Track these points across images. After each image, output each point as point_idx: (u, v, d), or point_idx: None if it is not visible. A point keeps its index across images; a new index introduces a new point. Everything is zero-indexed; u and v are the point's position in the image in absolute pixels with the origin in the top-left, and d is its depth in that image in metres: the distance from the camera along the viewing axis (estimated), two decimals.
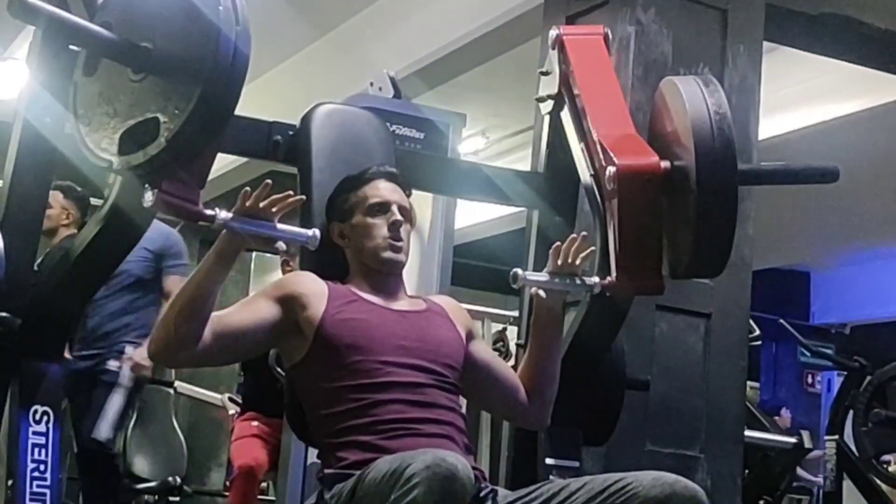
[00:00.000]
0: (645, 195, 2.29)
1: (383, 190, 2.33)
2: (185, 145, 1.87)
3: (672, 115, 2.33)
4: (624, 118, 2.49)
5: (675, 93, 2.32)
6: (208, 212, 1.99)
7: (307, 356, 2.19)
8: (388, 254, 2.29)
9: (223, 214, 2.01)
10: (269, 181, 2.04)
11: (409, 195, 2.38)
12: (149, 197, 1.93)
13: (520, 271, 2.30)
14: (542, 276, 2.33)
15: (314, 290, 2.22)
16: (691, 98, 2.27)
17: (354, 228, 2.31)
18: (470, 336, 2.36)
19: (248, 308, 2.19)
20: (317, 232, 2.12)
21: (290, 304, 2.19)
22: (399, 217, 2.31)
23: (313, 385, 2.19)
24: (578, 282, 2.34)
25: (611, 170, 2.29)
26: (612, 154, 2.31)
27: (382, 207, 2.31)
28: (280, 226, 2.06)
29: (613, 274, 2.32)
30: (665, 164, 2.30)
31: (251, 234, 2.03)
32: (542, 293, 2.31)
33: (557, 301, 2.36)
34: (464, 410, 2.29)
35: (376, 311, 2.25)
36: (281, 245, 2.09)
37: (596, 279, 2.35)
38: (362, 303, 2.25)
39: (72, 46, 2.21)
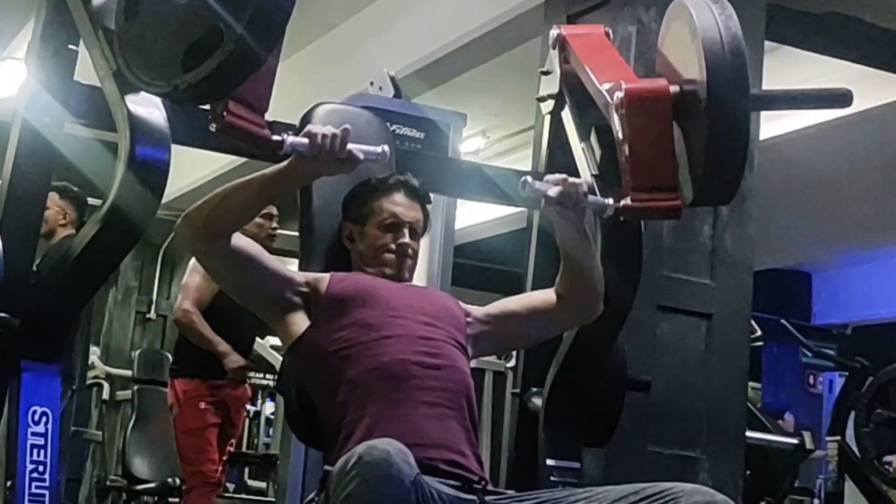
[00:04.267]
0: (654, 113, 2.22)
1: (400, 206, 2.36)
2: (249, 49, 1.83)
3: (682, 38, 2.27)
4: (627, 71, 2.43)
5: (685, 15, 2.24)
6: (276, 137, 1.96)
7: (314, 322, 2.21)
8: (390, 270, 2.33)
9: (291, 139, 1.98)
10: (348, 127, 2.03)
11: (428, 204, 2.41)
12: (217, 120, 1.89)
13: (529, 178, 2.20)
14: (552, 186, 2.19)
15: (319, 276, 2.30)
16: (702, 19, 2.19)
17: (364, 237, 2.35)
18: (469, 314, 2.38)
19: (276, 260, 2.26)
20: (386, 148, 2.09)
21: (304, 280, 2.26)
22: (408, 240, 2.34)
23: (320, 351, 2.19)
24: (591, 198, 2.23)
25: (618, 95, 2.23)
26: (620, 83, 2.26)
27: (395, 226, 2.34)
28: (350, 146, 2.02)
29: (628, 198, 2.21)
30: (674, 88, 2.25)
31: (321, 156, 2.00)
32: (552, 192, 2.18)
33: (577, 217, 2.25)
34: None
35: (380, 280, 2.31)
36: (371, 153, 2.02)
37: (610, 200, 2.24)
38: (366, 275, 2.32)
39: (70, 46, 2.21)
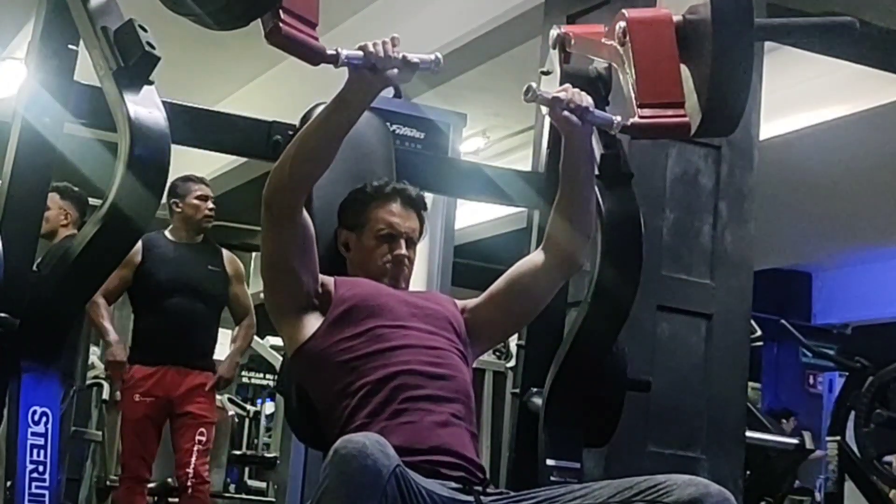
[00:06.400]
0: (657, 33, 2.22)
1: (397, 217, 2.34)
2: None
3: None
4: None
5: None
6: (330, 51, 1.96)
7: (323, 327, 2.20)
8: (387, 280, 2.32)
9: (346, 52, 1.98)
10: (396, 35, 2.03)
11: (424, 210, 2.40)
12: (273, 33, 1.87)
13: (533, 84, 2.19)
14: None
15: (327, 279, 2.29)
16: None
17: (359, 245, 2.35)
18: (464, 309, 2.37)
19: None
20: (440, 55, 2.09)
21: (321, 281, 2.24)
22: (403, 251, 2.33)
23: (328, 359, 2.19)
24: (598, 112, 2.23)
25: (621, 24, 2.24)
26: (623, 12, 2.26)
27: (391, 237, 2.33)
28: (403, 53, 2.02)
29: (637, 115, 2.21)
30: (678, 18, 2.24)
31: (377, 63, 2.00)
32: (562, 94, 2.18)
33: (585, 131, 2.25)
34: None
35: (384, 288, 2.30)
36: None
37: (617, 117, 2.23)
38: (370, 282, 2.30)
39: (70, 46, 2.21)
